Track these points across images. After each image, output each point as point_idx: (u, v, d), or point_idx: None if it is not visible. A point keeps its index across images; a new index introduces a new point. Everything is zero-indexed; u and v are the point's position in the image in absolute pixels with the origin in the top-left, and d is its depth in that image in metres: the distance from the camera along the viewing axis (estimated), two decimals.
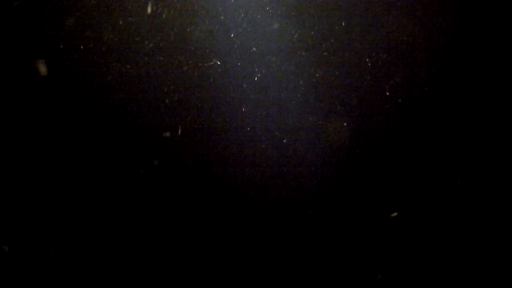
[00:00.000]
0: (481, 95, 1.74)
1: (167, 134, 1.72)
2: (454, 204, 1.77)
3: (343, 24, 1.71)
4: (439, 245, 1.79)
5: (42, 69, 1.67)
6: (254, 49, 1.72)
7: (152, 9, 1.67)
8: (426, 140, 1.76)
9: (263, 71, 1.73)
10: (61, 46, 1.70)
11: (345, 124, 1.75)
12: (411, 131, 1.75)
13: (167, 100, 1.73)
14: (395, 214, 1.74)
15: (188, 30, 1.70)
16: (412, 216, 1.78)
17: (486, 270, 1.79)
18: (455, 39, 1.73)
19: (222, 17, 1.70)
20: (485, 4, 1.71)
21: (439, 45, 1.73)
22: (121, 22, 1.69)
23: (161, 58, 1.72)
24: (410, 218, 1.78)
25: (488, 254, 1.78)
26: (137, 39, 1.71)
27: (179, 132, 1.75)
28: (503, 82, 1.74)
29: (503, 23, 1.72)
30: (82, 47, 1.70)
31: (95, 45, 1.71)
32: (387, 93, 1.73)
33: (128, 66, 1.72)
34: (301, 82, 1.73)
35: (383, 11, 1.71)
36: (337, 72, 1.73)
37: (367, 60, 1.72)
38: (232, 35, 1.71)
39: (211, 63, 1.68)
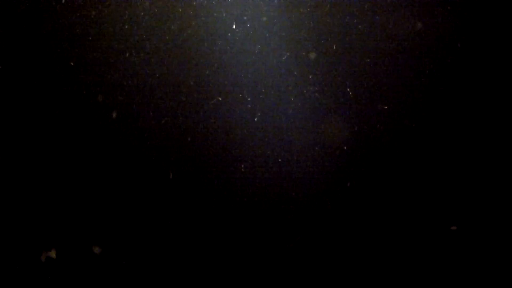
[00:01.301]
0: (482, 95, 1.74)
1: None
2: (455, 204, 1.77)
3: (344, 24, 1.71)
4: (441, 248, 1.78)
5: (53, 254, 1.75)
6: (253, 46, 1.72)
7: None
8: (428, 141, 1.75)
9: (263, 70, 1.73)
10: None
11: (345, 124, 1.75)
12: (413, 132, 1.75)
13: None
14: (454, 228, 1.73)
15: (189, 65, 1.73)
16: (410, 216, 1.77)
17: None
18: (456, 39, 1.73)
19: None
20: (485, 4, 1.72)
21: (441, 45, 1.73)
22: (124, 56, 1.72)
23: (161, 92, 1.74)
24: (407, 218, 1.77)
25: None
26: (140, 77, 1.73)
27: (176, 134, 1.75)
28: (504, 83, 1.74)
29: (503, 23, 1.72)
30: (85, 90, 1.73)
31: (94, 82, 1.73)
32: (389, 93, 1.73)
33: (128, 102, 1.74)
34: (300, 82, 1.74)
35: (384, 10, 1.71)
36: (337, 72, 1.73)
37: (368, 60, 1.73)
38: (233, 34, 1.72)
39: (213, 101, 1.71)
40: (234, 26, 1.71)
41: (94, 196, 1.77)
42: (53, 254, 1.75)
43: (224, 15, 1.71)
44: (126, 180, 1.77)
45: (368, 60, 1.72)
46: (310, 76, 1.73)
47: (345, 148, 1.75)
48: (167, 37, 1.72)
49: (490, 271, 1.77)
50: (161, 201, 1.77)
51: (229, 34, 1.72)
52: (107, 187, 1.77)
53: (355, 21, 1.71)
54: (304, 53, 1.72)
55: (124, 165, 1.76)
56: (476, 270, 1.77)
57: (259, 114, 1.74)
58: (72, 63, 1.74)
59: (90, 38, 1.73)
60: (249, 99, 1.74)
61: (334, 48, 1.72)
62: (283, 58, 1.71)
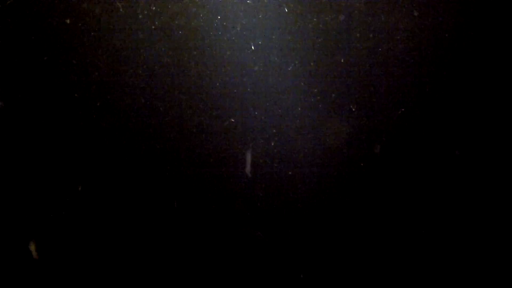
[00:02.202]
0: (482, 95, 1.74)
1: None
2: (456, 205, 1.77)
3: (344, 23, 1.71)
4: (441, 247, 1.79)
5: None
6: (253, 47, 1.72)
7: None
8: (428, 140, 1.75)
9: (262, 70, 1.73)
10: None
11: (345, 124, 1.75)
12: (412, 131, 1.75)
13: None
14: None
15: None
16: (411, 217, 1.77)
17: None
18: (456, 39, 1.72)
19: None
20: (485, 4, 1.71)
21: (441, 45, 1.72)
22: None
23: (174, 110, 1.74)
24: (408, 218, 1.77)
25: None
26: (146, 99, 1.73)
27: (176, 134, 1.76)
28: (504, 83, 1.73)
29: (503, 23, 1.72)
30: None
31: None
32: (388, 93, 1.73)
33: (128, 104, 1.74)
34: (301, 82, 1.73)
35: (384, 11, 1.70)
36: (337, 72, 1.73)
37: (368, 59, 1.72)
38: (233, 34, 1.71)
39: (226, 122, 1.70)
40: (234, 29, 1.71)
41: (94, 197, 1.78)
42: (33, 248, 1.76)
43: (224, 17, 1.71)
44: (128, 182, 1.77)
45: (369, 62, 1.72)
46: (311, 79, 1.73)
47: (346, 150, 1.75)
48: (167, 40, 1.72)
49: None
50: (162, 201, 1.78)
51: (229, 37, 1.71)
52: (109, 189, 1.77)
53: (355, 23, 1.71)
54: (305, 57, 1.72)
55: (125, 169, 1.76)
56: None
57: (259, 116, 1.74)
58: (70, 65, 1.73)
59: (89, 40, 1.73)
60: (250, 101, 1.74)
61: (335, 51, 1.72)
62: (289, 68, 1.71)
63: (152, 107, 1.74)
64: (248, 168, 1.73)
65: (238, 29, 1.71)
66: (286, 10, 1.70)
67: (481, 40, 1.72)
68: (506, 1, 1.71)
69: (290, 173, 1.76)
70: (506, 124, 1.74)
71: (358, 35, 1.71)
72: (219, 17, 1.70)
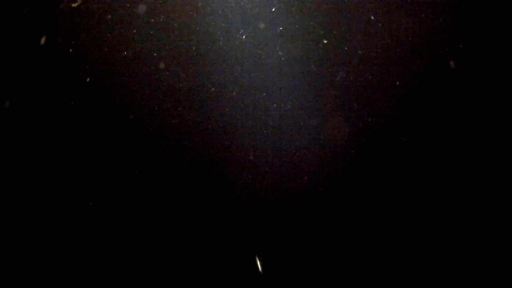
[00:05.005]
0: (482, 95, 1.74)
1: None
2: (455, 204, 1.77)
3: (344, 24, 1.72)
4: (440, 246, 1.78)
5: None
6: (253, 49, 1.73)
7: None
8: (427, 140, 1.75)
9: (263, 71, 1.73)
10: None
11: (345, 124, 1.75)
12: (411, 131, 1.75)
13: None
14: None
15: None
16: (412, 217, 1.77)
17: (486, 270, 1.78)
18: (455, 39, 1.73)
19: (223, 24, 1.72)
20: (485, 4, 1.72)
21: (440, 45, 1.73)
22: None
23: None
24: (409, 219, 1.77)
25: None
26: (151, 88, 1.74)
27: (177, 134, 1.76)
28: (503, 82, 1.74)
29: (503, 23, 1.72)
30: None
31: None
32: (388, 93, 1.74)
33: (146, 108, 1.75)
34: (301, 83, 1.74)
35: (384, 11, 1.71)
36: (337, 72, 1.74)
37: (368, 60, 1.73)
38: (233, 35, 1.72)
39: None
40: (235, 30, 1.72)
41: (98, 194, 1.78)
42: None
43: (226, 19, 1.72)
44: (127, 182, 1.78)
45: (369, 63, 1.73)
46: (311, 79, 1.74)
47: (344, 148, 1.76)
48: (170, 39, 1.73)
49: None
50: (162, 201, 1.78)
51: (231, 38, 1.72)
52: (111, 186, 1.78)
53: (355, 25, 1.72)
54: (305, 57, 1.73)
55: (130, 165, 1.77)
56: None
57: (259, 116, 1.75)
58: (79, 66, 1.75)
59: (93, 40, 1.74)
60: (250, 101, 1.75)
61: (336, 51, 1.73)
62: (289, 69, 1.72)
63: (151, 107, 1.75)
64: (260, 269, 1.74)
65: (239, 30, 1.72)
66: (287, 12, 1.72)
67: (481, 41, 1.73)
68: (504, 5, 1.72)
69: (290, 173, 1.76)
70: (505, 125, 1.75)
71: (358, 36, 1.72)
72: (220, 18, 1.71)
